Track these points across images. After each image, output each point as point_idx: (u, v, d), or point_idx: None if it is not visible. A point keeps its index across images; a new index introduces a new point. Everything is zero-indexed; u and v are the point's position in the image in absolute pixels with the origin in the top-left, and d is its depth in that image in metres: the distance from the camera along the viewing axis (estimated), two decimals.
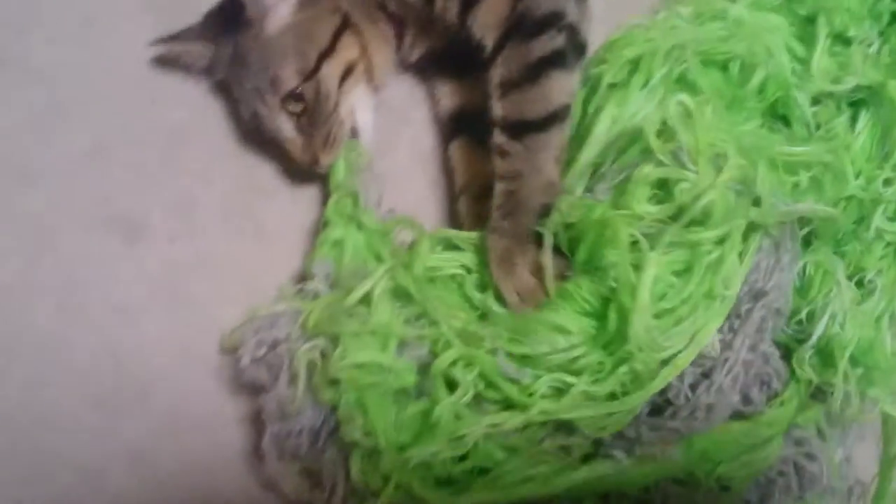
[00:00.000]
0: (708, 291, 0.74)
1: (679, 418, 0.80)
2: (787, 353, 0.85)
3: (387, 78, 0.97)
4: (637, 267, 0.73)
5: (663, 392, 0.80)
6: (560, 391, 0.77)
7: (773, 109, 0.85)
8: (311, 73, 0.88)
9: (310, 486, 0.81)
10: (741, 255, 0.75)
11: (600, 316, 0.77)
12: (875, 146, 0.85)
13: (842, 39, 0.85)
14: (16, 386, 0.91)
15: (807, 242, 0.86)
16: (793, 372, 0.84)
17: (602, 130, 0.80)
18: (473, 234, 0.84)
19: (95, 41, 1.02)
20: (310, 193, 0.99)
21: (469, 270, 0.84)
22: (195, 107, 1.00)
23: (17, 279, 0.94)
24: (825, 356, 0.82)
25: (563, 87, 0.82)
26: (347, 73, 0.90)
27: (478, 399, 0.76)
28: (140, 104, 1.00)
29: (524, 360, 0.77)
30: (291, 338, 0.79)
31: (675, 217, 0.74)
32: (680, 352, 0.74)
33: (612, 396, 0.77)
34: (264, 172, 1.00)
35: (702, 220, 0.74)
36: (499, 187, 0.81)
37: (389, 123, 0.99)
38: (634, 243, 0.73)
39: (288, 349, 0.79)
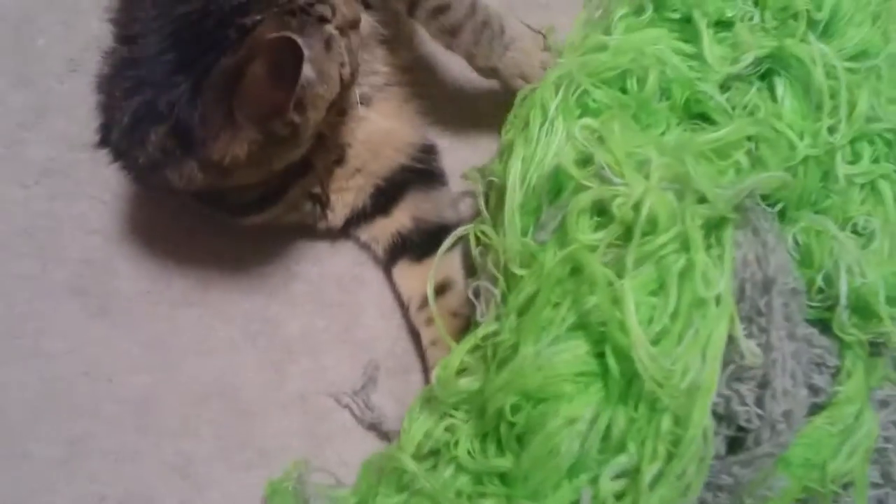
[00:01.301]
0: (693, 299, 0.69)
1: (764, 440, 0.74)
2: (826, 327, 0.80)
3: None
4: (614, 301, 0.69)
5: (732, 423, 0.75)
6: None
7: (688, 111, 0.83)
8: None
9: None
10: (719, 255, 0.72)
11: (600, 375, 0.72)
12: (803, 103, 0.84)
13: (723, 24, 0.85)
14: None
15: (784, 218, 0.84)
16: (842, 341, 0.80)
17: (516, 175, 0.79)
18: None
19: (29, 349, 0.97)
20: (302, 397, 0.95)
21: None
22: (150, 366, 0.96)
23: None
24: (862, 310, 0.78)
25: None
26: None
27: None
28: (95, 388, 0.95)
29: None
30: None
31: (624, 237, 0.71)
32: (700, 371, 0.68)
33: (669, 457, 0.71)
34: (247, 394, 0.95)
35: (651, 230, 0.70)
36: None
37: None
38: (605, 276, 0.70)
39: None
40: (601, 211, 0.73)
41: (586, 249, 0.71)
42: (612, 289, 0.70)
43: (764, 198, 0.81)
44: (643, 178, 0.70)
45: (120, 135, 0.79)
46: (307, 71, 0.71)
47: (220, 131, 0.72)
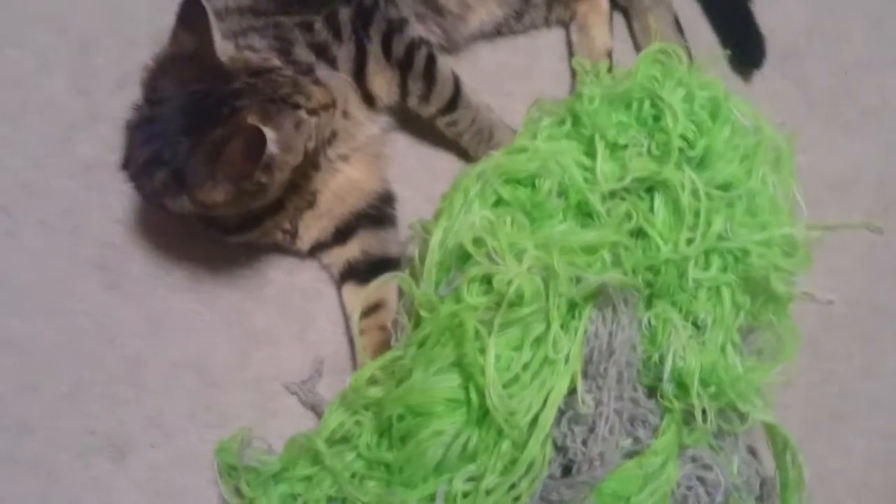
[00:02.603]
0: (544, 358, 0.93)
1: (583, 472, 0.98)
2: (655, 393, 1.04)
3: None
4: (481, 351, 0.93)
5: (566, 453, 0.99)
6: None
7: (581, 209, 1.06)
8: None
9: None
10: (576, 327, 0.95)
11: (466, 403, 0.96)
12: (673, 217, 1.06)
13: (621, 147, 1.08)
14: None
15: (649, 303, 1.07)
16: (665, 406, 1.03)
17: (437, 240, 1.03)
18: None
19: (53, 306, 1.23)
20: (259, 378, 1.20)
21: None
22: (146, 334, 1.22)
23: None
24: (681, 386, 1.01)
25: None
26: None
27: None
28: (100, 345, 1.21)
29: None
30: None
31: (501, 303, 0.95)
32: (539, 412, 0.92)
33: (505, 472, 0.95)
34: (217, 369, 1.20)
35: (519, 302, 0.94)
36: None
37: None
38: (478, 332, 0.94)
39: None
40: (489, 281, 0.97)
41: (470, 308, 0.96)
42: (481, 342, 0.94)
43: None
44: (517, 263, 0.94)
45: (135, 169, 1.05)
46: (272, 148, 0.96)
47: (205, 182, 0.98)
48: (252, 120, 0.95)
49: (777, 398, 1.15)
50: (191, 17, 0.99)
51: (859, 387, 1.22)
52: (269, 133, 0.94)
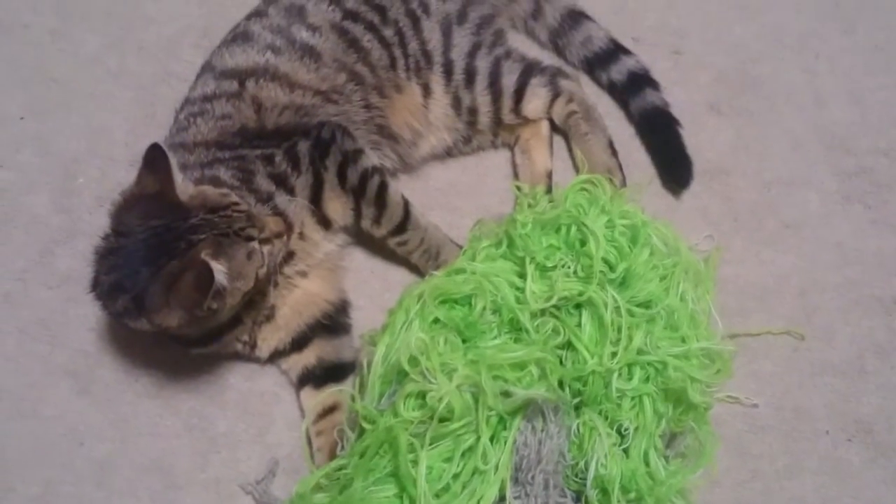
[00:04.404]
0: (474, 468, 1.02)
1: None
2: (581, 497, 1.12)
3: None
4: (414, 463, 1.01)
5: None
6: None
7: (513, 325, 1.16)
8: None
9: None
10: (506, 437, 1.04)
11: None
12: (598, 332, 1.16)
13: (549, 267, 1.19)
14: None
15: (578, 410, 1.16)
16: None
17: (380, 355, 1.13)
18: None
19: (28, 410, 1.31)
20: (218, 480, 1.27)
21: None
22: (113, 438, 1.30)
23: None
24: (603, 491, 1.09)
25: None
26: None
27: None
28: (70, 447, 1.29)
29: None
30: None
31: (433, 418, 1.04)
32: None
33: None
34: (178, 471, 1.28)
35: (450, 417, 1.03)
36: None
37: None
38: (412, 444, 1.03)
39: None
40: (424, 396, 1.07)
41: (405, 423, 1.05)
42: (414, 454, 1.03)
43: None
44: (448, 381, 1.04)
45: (101, 292, 1.16)
46: (221, 279, 1.07)
47: (161, 308, 1.09)
48: (206, 254, 1.06)
49: (706, 497, 1.24)
50: (154, 162, 1.11)
51: (783, 485, 1.29)
52: (220, 265, 1.05)
